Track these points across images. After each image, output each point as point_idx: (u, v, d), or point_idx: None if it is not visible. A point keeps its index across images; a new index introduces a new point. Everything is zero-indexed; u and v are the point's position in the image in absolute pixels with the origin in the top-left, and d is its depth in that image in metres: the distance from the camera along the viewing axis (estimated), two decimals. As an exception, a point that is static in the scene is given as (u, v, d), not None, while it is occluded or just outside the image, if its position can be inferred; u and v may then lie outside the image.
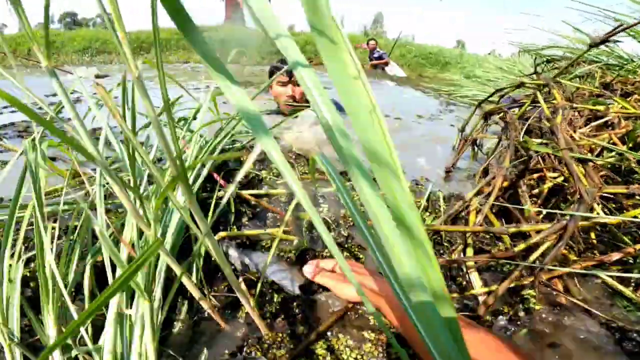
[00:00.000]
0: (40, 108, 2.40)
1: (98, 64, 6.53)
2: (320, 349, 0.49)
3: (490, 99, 1.45)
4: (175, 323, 0.51)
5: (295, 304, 0.56)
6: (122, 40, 0.25)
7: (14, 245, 0.47)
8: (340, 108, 0.23)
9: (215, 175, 0.81)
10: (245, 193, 0.84)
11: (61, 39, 8.16)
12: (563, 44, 2.11)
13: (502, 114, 1.24)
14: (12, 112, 2.55)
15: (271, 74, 1.78)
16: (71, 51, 7.79)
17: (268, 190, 0.90)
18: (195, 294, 0.46)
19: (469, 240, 0.72)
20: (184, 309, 0.53)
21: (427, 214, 0.88)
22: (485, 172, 1.08)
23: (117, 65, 6.95)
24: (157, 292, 0.47)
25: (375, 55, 7.67)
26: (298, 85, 1.67)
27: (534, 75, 1.29)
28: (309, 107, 1.68)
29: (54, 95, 3.06)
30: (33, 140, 0.51)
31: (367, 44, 8.00)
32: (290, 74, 1.67)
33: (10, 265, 0.45)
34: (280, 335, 0.50)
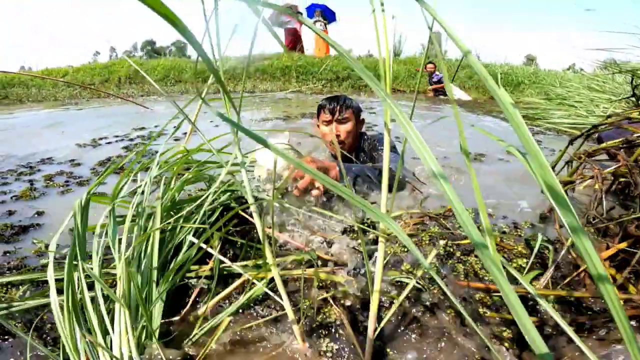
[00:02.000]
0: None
1: (176, 94, 7.21)
2: None
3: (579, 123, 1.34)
4: None
5: None
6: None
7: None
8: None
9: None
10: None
11: (145, 68, 9.19)
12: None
13: (613, 153, 1.13)
14: (108, 143, 2.88)
15: (317, 112, 1.68)
16: (153, 81, 8.78)
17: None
18: None
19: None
20: None
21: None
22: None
23: (190, 94, 7.59)
24: None
25: (435, 78, 7.48)
26: (343, 123, 1.59)
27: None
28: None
29: (141, 128, 3.45)
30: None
31: (425, 67, 7.87)
32: (333, 111, 1.57)
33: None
34: None
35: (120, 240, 0.75)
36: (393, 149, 1.59)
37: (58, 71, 9.56)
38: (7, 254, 1.07)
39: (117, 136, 3.01)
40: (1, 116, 4.98)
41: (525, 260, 0.88)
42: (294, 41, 10.52)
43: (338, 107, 1.58)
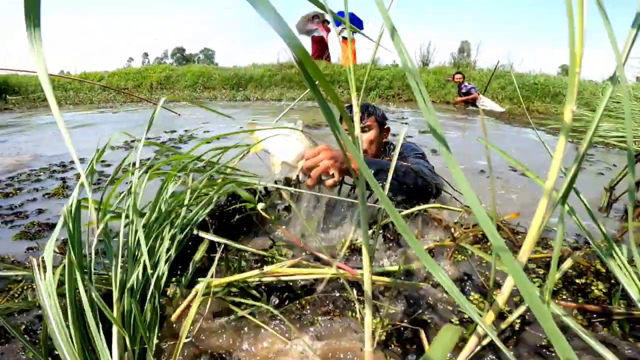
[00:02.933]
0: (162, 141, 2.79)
1: (205, 100, 7.39)
2: None
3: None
4: None
5: None
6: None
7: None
8: None
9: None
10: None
11: (176, 74, 9.52)
12: None
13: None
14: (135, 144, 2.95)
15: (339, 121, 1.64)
16: (183, 86, 9.04)
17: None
18: None
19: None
20: None
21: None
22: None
23: (235, 101, 7.76)
24: None
25: (463, 89, 7.27)
26: (364, 131, 1.52)
27: None
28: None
29: (173, 131, 3.53)
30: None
31: (453, 77, 7.67)
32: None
33: None
34: None
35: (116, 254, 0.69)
36: (422, 156, 1.50)
37: (94, 75, 10.07)
38: (30, 250, 1.07)
39: (148, 138, 3.09)
40: (41, 117, 5.26)
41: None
42: (321, 49, 10.63)
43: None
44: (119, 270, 0.66)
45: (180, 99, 7.18)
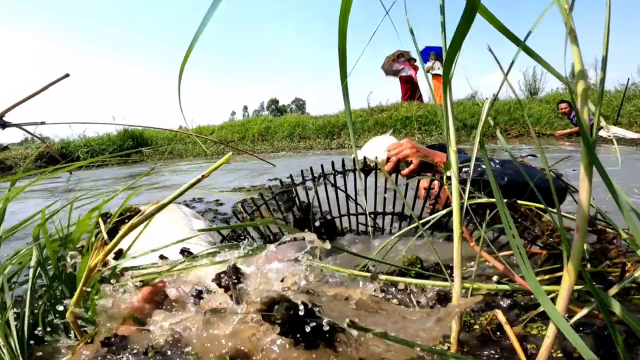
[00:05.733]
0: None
1: (302, 150, 7.91)
2: None
3: None
4: None
5: None
6: None
7: None
8: None
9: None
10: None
11: (274, 125, 10.52)
12: None
13: None
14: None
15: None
16: (280, 137, 9.85)
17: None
18: None
19: None
20: None
21: None
22: None
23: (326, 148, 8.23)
24: None
25: (574, 120, 6.41)
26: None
27: None
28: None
29: (275, 178, 3.89)
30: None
31: (558, 107, 6.82)
32: None
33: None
34: None
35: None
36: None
37: (207, 129, 11.77)
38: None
39: (253, 186, 3.48)
40: (169, 167, 6.33)
41: None
42: (411, 90, 10.53)
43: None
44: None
45: (248, 152, 7.88)
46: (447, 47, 0.38)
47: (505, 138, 7.46)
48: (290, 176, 1.25)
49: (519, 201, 0.89)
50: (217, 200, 2.67)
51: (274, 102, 52.52)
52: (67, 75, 1.51)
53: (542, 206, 0.84)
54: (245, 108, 52.31)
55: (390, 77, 10.93)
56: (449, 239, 1.10)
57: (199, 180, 0.56)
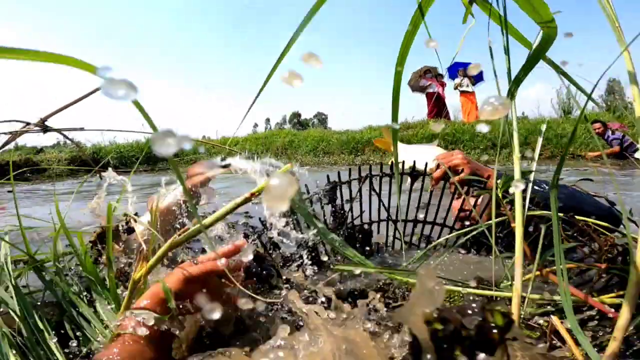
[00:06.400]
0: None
1: (326, 164, 7.84)
2: None
3: None
4: None
5: None
6: None
7: None
8: None
9: None
10: None
11: (298, 139, 10.55)
12: None
13: None
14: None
15: None
16: (304, 151, 9.80)
17: None
18: None
19: None
20: None
21: None
22: None
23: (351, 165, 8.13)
24: None
25: (609, 141, 6.16)
26: (474, 196, 1.28)
27: None
28: None
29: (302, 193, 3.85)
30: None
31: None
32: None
33: None
34: None
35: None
36: None
37: (233, 140, 11.91)
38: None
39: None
40: (195, 178, 6.43)
41: None
42: (438, 106, 10.28)
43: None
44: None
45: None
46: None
47: (538, 159, 7.18)
48: (327, 177, 1.25)
49: (576, 216, 0.86)
50: (247, 213, 2.64)
51: (296, 115, 53.16)
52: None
53: (601, 222, 0.84)
54: (268, 121, 52.97)
55: (417, 94, 10.78)
56: (486, 252, 1.10)
57: (248, 200, 0.55)
